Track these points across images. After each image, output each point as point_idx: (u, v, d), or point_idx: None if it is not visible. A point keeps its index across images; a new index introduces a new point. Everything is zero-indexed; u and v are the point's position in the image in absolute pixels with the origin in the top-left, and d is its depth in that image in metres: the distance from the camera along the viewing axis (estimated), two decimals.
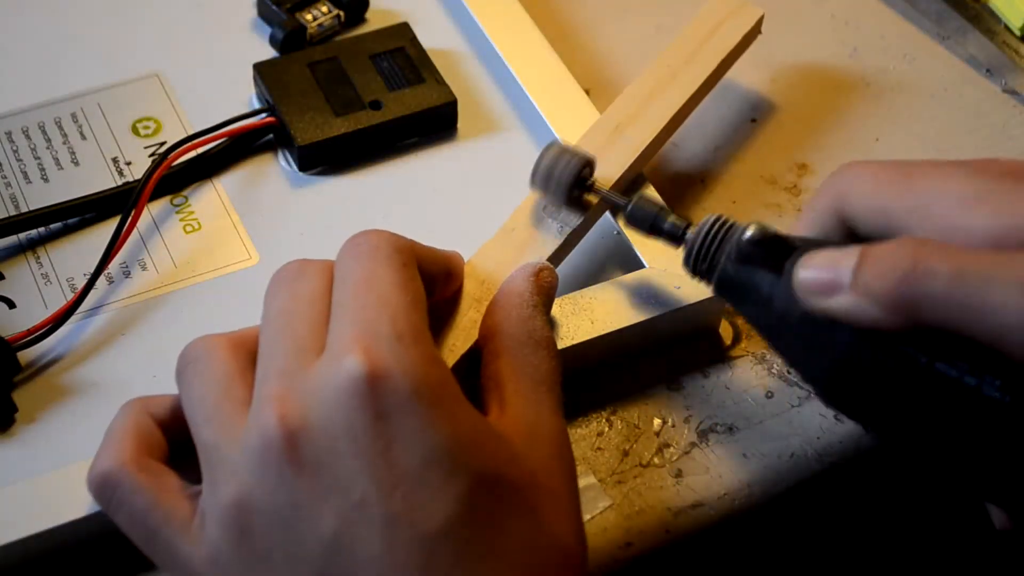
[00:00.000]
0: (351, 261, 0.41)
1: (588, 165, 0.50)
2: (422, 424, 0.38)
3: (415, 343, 0.39)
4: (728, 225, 0.45)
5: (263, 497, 0.38)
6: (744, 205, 0.57)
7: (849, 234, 0.43)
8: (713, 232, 0.45)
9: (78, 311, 0.51)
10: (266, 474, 0.38)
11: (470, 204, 0.56)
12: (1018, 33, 0.63)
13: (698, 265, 0.45)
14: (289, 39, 0.60)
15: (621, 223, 0.53)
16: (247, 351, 0.42)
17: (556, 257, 0.50)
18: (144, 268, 0.53)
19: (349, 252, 0.42)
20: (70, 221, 0.54)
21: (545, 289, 0.46)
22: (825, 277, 0.40)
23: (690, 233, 0.46)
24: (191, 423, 0.41)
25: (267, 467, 0.38)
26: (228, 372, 0.41)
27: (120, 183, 0.55)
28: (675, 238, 0.47)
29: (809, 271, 0.41)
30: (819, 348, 0.42)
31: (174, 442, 0.43)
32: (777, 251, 0.43)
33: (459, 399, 0.39)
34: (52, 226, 0.54)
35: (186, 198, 0.56)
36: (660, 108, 0.55)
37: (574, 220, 0.50)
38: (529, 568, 0.38)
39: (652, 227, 0.48)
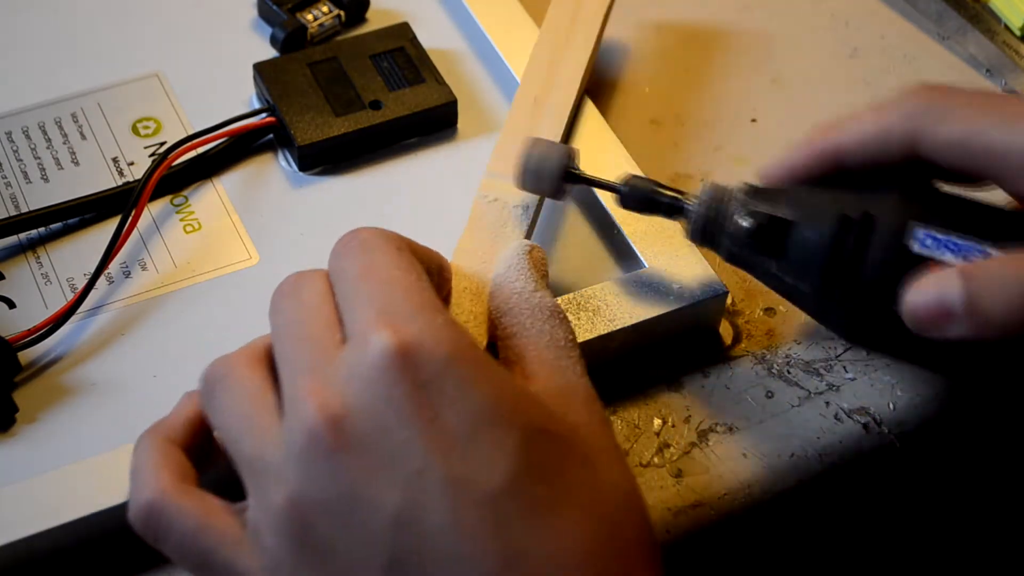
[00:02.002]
0: (345, 259, 0.41)
1: (572, 155, 0.50)
2: (463, 386, 0.38)
3: (436, 312, 0.39)
4: (724, 197, 0.47)
5: (317, 491, 0.38)
6: None
7: (836, 169, 0.46)
8: (711, 208, 0.47)
9: (78, 311, 0.51)
10: (316, 467, 0.38)
11: (470, 204, 0.56)
12: (1018, 33, 0.63)
13: (705, 239, 0.47)
14: (290, 39, 0.60)
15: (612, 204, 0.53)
16: (266, 363, 0.41)
17: (528, 234, 0.51)
18: (144, 268, 0.53)
19: (340, 251, 0.42)
20: (70, 221, 0.54)
21: (539, 266, 0.47)
22: (934, 311, 0.42)
23: (689, 205, 0.47)
24: (228, 442, 0.40)
25: (315, 460, 0.37)
26: (255, 384, 0.40)
27: (120, 183, 0.55)
28: (674, 212, 0.48)
29: (915, 304, 0.43)
30: (834, 311, 0.46)
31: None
32: (775, 235, 0.45)
33: (491, 360, 0.39)
34: (52, 226, 0.54)
35: (186, 198, 0.56)
36: (569, 71, 0.56)
37: (533, 199, 0.51)
38: (597, 513, 0.38)
39: (649, 205, 0.48)
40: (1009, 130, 0.43)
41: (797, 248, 0.45)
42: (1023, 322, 0.41)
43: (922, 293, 0.42)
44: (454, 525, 0.37)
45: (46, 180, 0.56)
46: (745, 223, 0.45)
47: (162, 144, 0.57)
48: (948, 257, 0.43)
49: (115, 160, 0.57)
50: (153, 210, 0.55)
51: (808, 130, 0.47)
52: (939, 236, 0.43)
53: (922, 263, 0.43)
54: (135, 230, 0.54)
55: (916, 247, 0.43)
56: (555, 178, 0.49)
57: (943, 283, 0.42)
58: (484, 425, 0.37)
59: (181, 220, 0.55)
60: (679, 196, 0.48)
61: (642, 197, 0.48)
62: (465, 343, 0.39)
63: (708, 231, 0.47)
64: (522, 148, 0.50)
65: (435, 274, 0.45)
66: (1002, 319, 0.41)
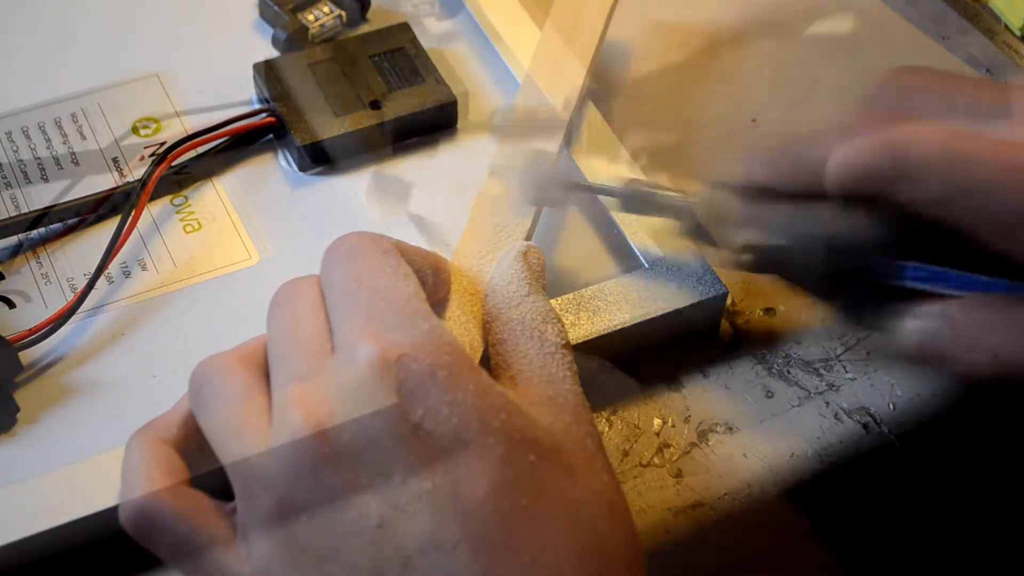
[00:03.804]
0: (333, 268, 0.41)
1: (573, 165, 0.50)
2: (447, 397, 0.38)
3: (422, 320, 0.39)
4: (722, 199, 0.46)
5: (303, 498, 0.38)
6: None
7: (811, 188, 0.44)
8: (710, 211, 0.47)
9: (79, 311, 0.51)
10: (302, 475, 0.38)
11: (470, 204, 0.56)
12: (1018, 33, 0.63)
13: (705, 239, 0.48)
14: (292, 40, 0.60)
15: (614, 209, 0.53)
16: (257, 365, 0.41)
17: (528, 234, 0.51)
18: (144, 268, 0.53)
19: (329, 260, 0.42)
20: (70, 221, 0.54)
21: (535, 268, 0.46)
22: (925, 356, 0.43)
23: (687, 205, 0.48)
24: (215, 443, 0.40)
25: (301, 468, 0.38)
26: (245, 386, 0.41)
27: (120, 183, 0.56)
28: (674, 213, 0.48)
29: (908, 346, 0.43)
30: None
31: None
32: (770, 260, 0.46)
33: (476, 369, 0.39)
34: (52, 226, 0.54)
35: (186, 198, 0.56)
36: (572, 71, 0.56)
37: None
38: (580, 523, 0.38)
39: (650, 207, 0.49)
40: (987, 210, 0.41)
41: (793, 269, 0.46)
42: (1005, 369, 0.42)
43: (910, 335, 0.43)
44: (436, 537, 0.37)
45: (46, 180, 0.56)
46: (742, 258, 0.46)
47: (162, 144, 0.57)
48: (935, 289, 0.44)
49: (115, 160, 0.57)
50: (153, 210, 0.55)
51: (784, 142, 0.46)
52: (925, 269, 0.44)
53: (911, 294, 0.44)
54: (135, 230, 0.54)
55: (903, 282, 0.44)
56: (558, 189, 0.50)
57: (927, 326, 0.43)
58: (467, 436, 0.37)
59: (181, 220, 0.55)
60: (679, 197, 0.48)
61: (643, 200, 0.48)
62: (450, 352, 0.39)
63: (707, 233, 0.47)
64: (522, 161, 0.50)
65: (430, 275, 0.45)
66: (990, 369, 0.42)
